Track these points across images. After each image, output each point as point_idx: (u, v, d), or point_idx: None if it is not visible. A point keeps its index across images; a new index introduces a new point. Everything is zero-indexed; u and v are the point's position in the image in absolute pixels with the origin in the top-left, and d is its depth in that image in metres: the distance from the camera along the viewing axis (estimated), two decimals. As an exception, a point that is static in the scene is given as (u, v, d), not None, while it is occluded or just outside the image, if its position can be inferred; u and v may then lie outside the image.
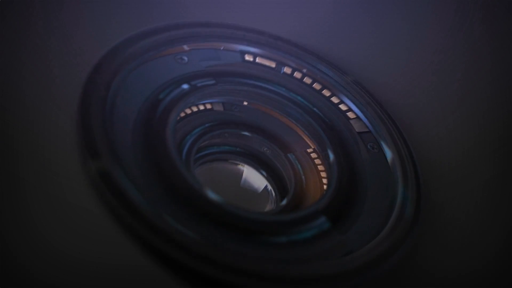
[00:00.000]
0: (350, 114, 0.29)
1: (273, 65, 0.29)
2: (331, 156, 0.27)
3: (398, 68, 0.37)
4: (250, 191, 0.26)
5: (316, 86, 0.30)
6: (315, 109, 0.28)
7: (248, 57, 0.28)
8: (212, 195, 0.23)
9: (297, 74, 0.29)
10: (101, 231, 0.37)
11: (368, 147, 0.28)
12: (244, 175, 0.26)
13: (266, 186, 0.26)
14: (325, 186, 0.27)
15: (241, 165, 0.27)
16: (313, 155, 0.28)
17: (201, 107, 0.28)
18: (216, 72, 0.27)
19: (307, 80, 0.29)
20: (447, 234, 0.32)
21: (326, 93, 0.30)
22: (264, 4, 0.33)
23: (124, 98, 0.25)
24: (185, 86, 0.26)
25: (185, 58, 0.27)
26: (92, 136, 0.25)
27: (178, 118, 0.25)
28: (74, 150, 0.31)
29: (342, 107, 0.29)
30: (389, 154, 0.28)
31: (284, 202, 0.26)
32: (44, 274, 0.36)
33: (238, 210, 0.22)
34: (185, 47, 0.27)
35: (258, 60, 0.29)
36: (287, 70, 0.29)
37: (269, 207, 0.26)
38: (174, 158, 0.23)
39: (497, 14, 0.37)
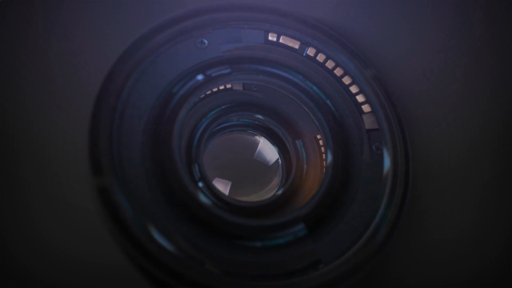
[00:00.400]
0: (365, 108, 0.28)
1: (296, 45, 0.28)
2: (329, 158, 0.26)
3: (397, 68, 0.37)
4: (262, 162, 0.26)
5: (338, 71, 0.28)
6: (328, 101, 0.27)
7: (271, 37, 0.27)
8: (203, 198, 0.23)
9: (321, 57, 0.28)
10: (100, 231, 0.37)
11: (373, 148, 0.27)
12: (259, 147, 0.27)
13: (277, 160, 0.27)
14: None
15: (258, 136, 0.28)
16: (321, 142, 0.28)
17: (221, 87, 0.28)
18: (234, 58, 0.27)
19: (330, 64, 0.28)
20: (428, 243, 0.33)
21: (346, 80, 0.28)
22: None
23: (134, 106, 0.26)
24: (200, 77, 0.26)
25: (206, 41, 0.27)
26: (98, 151, 0.25)
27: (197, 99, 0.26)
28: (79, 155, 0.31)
29: (359, 98, 0.28)
30: (386, 163, 0.27)
31: (279, 192, 0.26)
32: (44, 274, 0.36)
33: (225, 214, 0.23)
34: (209, 29, 0.27)
35: (281, 40, 0.28)
36: (311, 51, 0.28)
37: (276, 180, 0.26)
38: (181, 173, 0.24)
39: (497, 14, 0.37)
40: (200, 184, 0.26)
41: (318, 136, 0.28)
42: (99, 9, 0.36)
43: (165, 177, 0.24)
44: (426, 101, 0.37)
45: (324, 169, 0.26)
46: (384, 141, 0.27)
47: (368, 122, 0.27)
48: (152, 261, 0.24)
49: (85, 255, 0.36)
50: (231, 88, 0.28)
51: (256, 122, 0.28)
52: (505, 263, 0.37)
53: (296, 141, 0.28)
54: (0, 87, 0.36)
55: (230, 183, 0.26)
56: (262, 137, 0.27)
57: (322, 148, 0.28)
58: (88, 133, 0.26)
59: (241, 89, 0.28)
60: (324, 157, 0.27)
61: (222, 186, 0.26)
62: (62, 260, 0.36)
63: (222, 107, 0.28)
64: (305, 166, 0.27)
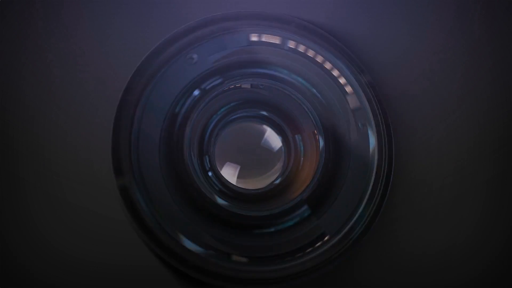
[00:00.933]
0: (348, 88, 0.30)
1: (277, 41, 0.30)
2: (321, 143, 0.29)
3: (397, 68, 0.37)
4: (267, 149, 0.29)
5: (319, 58, 0.30)
6: (313, 89, 0.30)
7: (253, 38, 0.30)
8: (220, 201, 0.27)
9: (301, 48, 0.30)
10: (102, 231, 0.37)
11: (359, 125, 0.30)
12: (265, 135, 0.29)
13: (281, 147, 0.29)
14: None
15: (266, 125, 0.30)
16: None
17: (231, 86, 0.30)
18: (223, 67, 0.29)
19: (311, 52, 0.30)
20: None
21: (328, 66, 0.30)
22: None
23: (148, 116, 0.29)
24: (196, 92, 0.29)
25: (195, 56, 0.29)
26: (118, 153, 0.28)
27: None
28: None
29: (341, 80, 0.30)
30: (372, 140, 0.30)
31: (277, 181, 0.29)
32: (44, 274, 0.36)
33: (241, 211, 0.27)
34: (195, 44, 0.29)
35: (264, 38, 0.30)
36: (292, 44, 0.30)
37: (279, 165, 0.29)
38: (196, 182, 0.28)
39: (497, 14, 0.37)
40: (210, 174, 0.29)
41: (315, 132, 0.30)
42: (99, 10, 0.36)
43: (182, 184, 0.28)
44: (425, 101, 0.37)
45: (319, 153, 0.29)
46: (367, 119, 0.30)
47: (352, 102, 0.30)
48: (173, 256, 0.27)
49: (86, 255, 0.36)
50: (240, 87, 0.30)
51: (262, 116, 0.31)
52: (506, 265, 0.37)
53: (296, 135, 0.30)
54: (0, 87, 0.36)
55: (239, 167, 0.29)
56: (269, 127, 0.30)
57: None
58: (112, 139, 0.29)
59: (249, 87, 0.30)
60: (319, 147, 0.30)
61: (232, 170, 0.29)
62: (62, 260, 0.36)
63: (231, 104, 0.30)
64: (301, 159, 0.30)
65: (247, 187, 0.29)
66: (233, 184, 0.29)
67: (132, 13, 0.36)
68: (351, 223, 0.28)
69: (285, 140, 0.30)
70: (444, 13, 0.37)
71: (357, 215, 0.28)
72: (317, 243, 0.27)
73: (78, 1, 0.36)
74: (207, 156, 0.29)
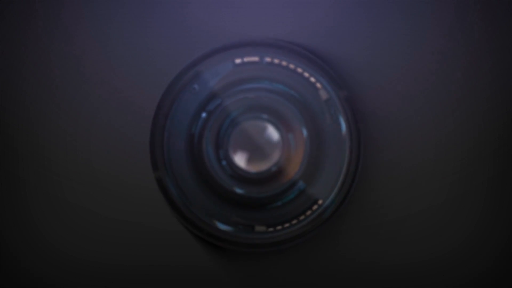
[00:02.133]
0: (318, 85, 0.37)
1: (256, 59, 0.37)
2: (305, 133, 0.37)
3: (397, 69, 0.37)
4: (269, 141, 0.36)
5: (291, 66, 0.37)
6: (292, 91, 0.37)
7: (237, 61, 0.37)
8: (238, 191, 0.37)
9: (276, 60, 0.37)
10: (102, 231, 0.37)
11: (332, 112, 0.37)
12: (268, 130, 0.37)
13: (279, 140, 0.37)
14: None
15: (268, 123, 0.37)
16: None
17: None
18: (219, 89, 0.37)
19: (284, 63, 0.37)
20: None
21: (299, 70, 0.37)
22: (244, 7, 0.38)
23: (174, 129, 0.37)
24: (203, 114, 0.37)
25: (196, 86, 0.37)
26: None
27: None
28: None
29: (312, 79, 0.37)
30: (343, 126, 0.36)
31: (274, 168, 0.37)
32: (44, 274, 0.36)
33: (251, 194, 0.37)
34: (195, 79, 0.37)
35: (245, 59, 0.37)
36: (268, 59, 0.37)
37: (278, 153, 0.37)
38: (216, 178, 0.37)
39: (497, 14, 0.37)
40: (224, 163, 0.37)
41: (302, 130, 0.38)
42: (100, 11, 0.36)
43: (206, 177, 0.37)
44: (424, 102, 0.37)
45: (304, 142, 0.37)
46: (336, 108, 0.37)
47: (324, 94, 0.37)
48: (211, 236, 0.36)
49: (85, 255, 0.36)
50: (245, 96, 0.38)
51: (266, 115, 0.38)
52: (506, 266, 0.37)
53: (288, 134, 0.37)
54: (0, 87, 0.36)
55: (248, 154, 0.36)
56: (270, 124, 0.37)
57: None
58: (150, 142, 0.35)
59: (253, 96, 0.38)
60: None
61: (243, 156, 0.36)
62: (62, 260, 0.36)
63: (239, 109, 0.38)
64: (292, 151, 0.37)
65: (253, 169, 0.37)
66: (241, 170, 0.37)
67: (131, 13, 0.36)
68: (335, 189, 0.36)
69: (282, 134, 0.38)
70: (444, 13, 0.37)
71: (339, 182, 0.36)
72: (313, 207, 0.37)
73: (79, 2, 0.36)
74: (221, 150, 0.37)
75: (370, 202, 0.38)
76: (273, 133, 0.37)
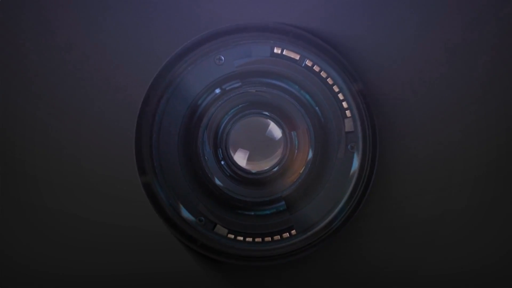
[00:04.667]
0: (347, 113, 0.35)
1: (297, 57, 0.35)
2: (310, 155, 0.36)
3: (403, 59, 0.36)
4: (271, 138, 0.35)
5: (329, 80, 0.35)
6: (316, 108, 0.35)
7: (276, 50, 0.35)
8: (217, 182, 0.36)
9: (316, 68, 0.35)
10: (102, 231, 0.36)
11: (348, 147, 0.35)
12: (270, 127, 0.35)
13: (281, 137, 0.36)
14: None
15: (270, 119, 0.36)
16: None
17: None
18: (244, 72, 0.35)
19: (323, 74, 0.35)
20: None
21: (336, 88, 0.35)
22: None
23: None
24: (217, 90, 0.35)
25: (222, 58, 0.35)
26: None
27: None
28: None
29: (344, 104, 0.35)
30: (355, 163, 0.35)
31: (275, 169, 0.36)
32: (44, 274, 0.36)
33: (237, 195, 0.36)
34: (224, 48, 0.35)
35: (285, 52, 0.35)
36: (309, 63, 0.35)
37: (279, 151, 0.35)
38: (203, 164, 0.36)
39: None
40: (223, 163, 0.36)
41: (309, 143, 0.36)
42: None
43: (193, 167, 0.36)
44: (437, 100, 0.35)
45: (305, 162, 0.36)
46: (356, 142, 0.35)
47: (348, 126, 0.35)
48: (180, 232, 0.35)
49: (86, 255, 0.36)
50: (247, 90, 0.36)
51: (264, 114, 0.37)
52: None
53: (292, 132, 0.36)
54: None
55: (248, 152, 0.35)
56: (272, 121, 0.36)
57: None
58: (134, 146, 0.34)
59: (254, 91, 0.36)
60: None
61: (243, 154, 0.35)
62: (63, 260, 0.36)
63: (240, 106, 0.36)
64: (296, 151, 0.36)
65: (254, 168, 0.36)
66: (241, 170, 0.36)
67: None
68: (318, 227, 0.35)
69: (285, 132, 0.36)
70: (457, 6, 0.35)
71: (325, 221, 0.35)
72: (284, 232, 0.35)
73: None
74: (220, 149, 0.36)
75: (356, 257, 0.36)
76: (276, 131, 0.35)
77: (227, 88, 0.35)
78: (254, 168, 0.35)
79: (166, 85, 0.34)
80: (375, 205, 0.36)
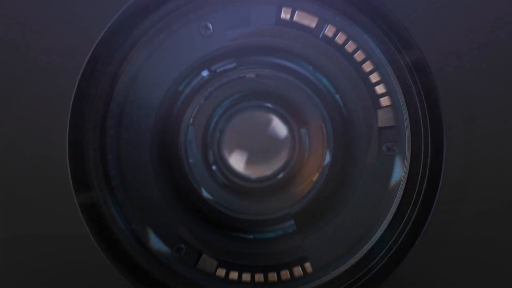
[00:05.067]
0: (384, 101, 0.26)
1: (313, 23, 0.26)
2: (327, 159, 0.26)
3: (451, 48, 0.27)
4: (274, 136, 0.28)
5: (359, 56, 0.26)
6: (337, 96, 0.26)
7: (285, 14, 0.25)
8: (205, 194, 0.27)
9: (340, 37, 0.26)
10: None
11: (383, 148, 0.26)
12: (273, 124, 0.28)
13: (286, 136, 0.28)
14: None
15: (274, 114, 0.28)
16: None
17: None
18: (240, 48, 0.26)
19: (350, 46, 0.26)
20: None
21: (367, 67, 0.26)
22: None
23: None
24: (205, 73, 0.26)
25: (210, 26, 0.25)
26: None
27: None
28: None
29: (379, 89, 0.26)
30: (398, 170, 0.25)
31: (280, 175, 0.27)
32: (44, 274, 0.35)
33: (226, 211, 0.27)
34: (212, 9, 0.25)
35: (296, 17, 0.26)
36: (330, 30, 0.26)
37: (283, 152, 0.28)
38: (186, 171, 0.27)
39: None
40: (214, 168, 0.27)
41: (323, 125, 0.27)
42: None
43: (173, 175, 0.27)
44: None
45: (321, 168, 0.27)
46: (398, 142, 0.25)
47: (384, 118, 0.26)
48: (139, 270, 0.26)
49: (86, 255, 0.34)
50: (244, 76, 0.27)
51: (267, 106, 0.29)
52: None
53: (301, 129, 0.28)
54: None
55: (246, 154, 0.27)
56: (275, 116, 0.28)
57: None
58: (67, 145, 0.24)
59: (254, 75, 0.27)
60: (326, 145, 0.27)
61: (240, 156, 0.28)
62: (62, 260, 0.35)
63: (235, 96, 0.27)
64: (306, 154, 0.27)
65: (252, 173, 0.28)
66: (237, 177, 0.27)
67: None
68: (345, 264, 0.25)
69: (291, 129, 0.28)
70: None
71: (356, 257, 0.25)
72: (295, 266, 0.25)
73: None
74: (211, 150, 0.28)
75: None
76: (281, 128, 0.28)
77: (218, 70, 0.26)
78: (254, 173, 0.27)
79: (121, 61, 0.24)
80: (437, 237, 0.24)
